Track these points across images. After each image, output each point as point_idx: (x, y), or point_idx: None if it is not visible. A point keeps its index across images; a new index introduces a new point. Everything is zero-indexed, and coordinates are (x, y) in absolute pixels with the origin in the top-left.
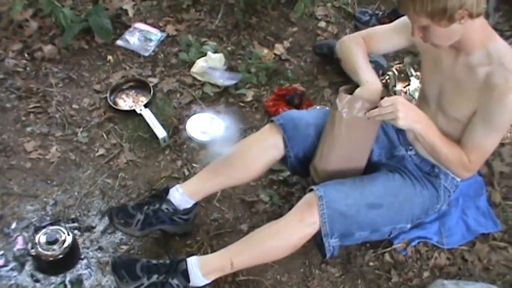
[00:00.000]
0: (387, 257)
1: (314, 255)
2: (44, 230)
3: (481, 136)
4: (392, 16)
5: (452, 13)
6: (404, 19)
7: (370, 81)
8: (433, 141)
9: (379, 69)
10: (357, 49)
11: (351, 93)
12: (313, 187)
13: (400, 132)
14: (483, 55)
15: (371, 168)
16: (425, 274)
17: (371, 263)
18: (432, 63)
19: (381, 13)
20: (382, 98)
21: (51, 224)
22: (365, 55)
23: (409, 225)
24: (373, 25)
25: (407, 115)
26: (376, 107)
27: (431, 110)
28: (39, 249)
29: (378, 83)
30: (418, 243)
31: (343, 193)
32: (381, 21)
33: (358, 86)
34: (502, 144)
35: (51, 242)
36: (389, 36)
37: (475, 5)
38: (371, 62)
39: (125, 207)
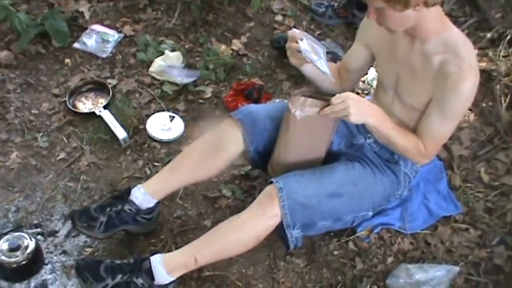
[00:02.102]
0: (351, 245)
1: (278, 247)
2: (6, 237)
3: (436, 124)
4: (348, 7)
5: None
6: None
7: None
8: (387, 133)
9: (337, 59)
10: None
11: (303, 95)
12: (272, 179)
13: None
14: (438, 43)
15: (331, 158)
16: (390, 260)
17: (335, 252)
18: (388, 54)
19: (336, 4)
20: (333, 95)
21: (13, 231)
22: None
23: (371, 213)
24: (330, 16)
25: (359, 111)
26: (328, 105)
27: (388, 97)
28: (2, 257)
29: None
30: (381, 229)
31: (303, 184)
32: (336, 12)
33: (309, 89)
34: (460, 128)
35: (13, 249)
36: (353, 49)
37: None
38: (328, 53)
39: (87, 210)
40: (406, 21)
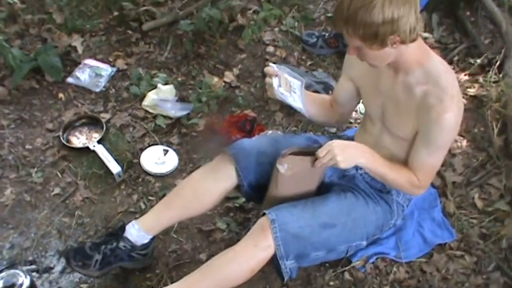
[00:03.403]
0: (347, 275)
1: (274, 279)
2: (0, 275)
3: (424, 156)
4: (338, 37)
5: (384, 38)
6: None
7: None
8: (379, 171)
9: (329, 89)
10: None
11: (291, 154)
12: (265, 211)
13: None
14: (420, 74)
15: (323, 189)
16: None
17: (331, 283)
18: (373, 87)
19: (327, 34)
20: (319, 146)
21: (8, 268)
22: None
23: (364, 242)
24: (321, 46)
25: (346, 156)
26: (317, 158)
27: (376, 128)
28: None
29: None
30: (377, 259)
31: (295, 215)
32: (327, 42)
33: (297, 146)
34: (453, 155)
35: (8, 287)
36: (340, 83)
37: (408, 33)
38: (320, 83)
39: (82, 248)
40: (386, 57)
